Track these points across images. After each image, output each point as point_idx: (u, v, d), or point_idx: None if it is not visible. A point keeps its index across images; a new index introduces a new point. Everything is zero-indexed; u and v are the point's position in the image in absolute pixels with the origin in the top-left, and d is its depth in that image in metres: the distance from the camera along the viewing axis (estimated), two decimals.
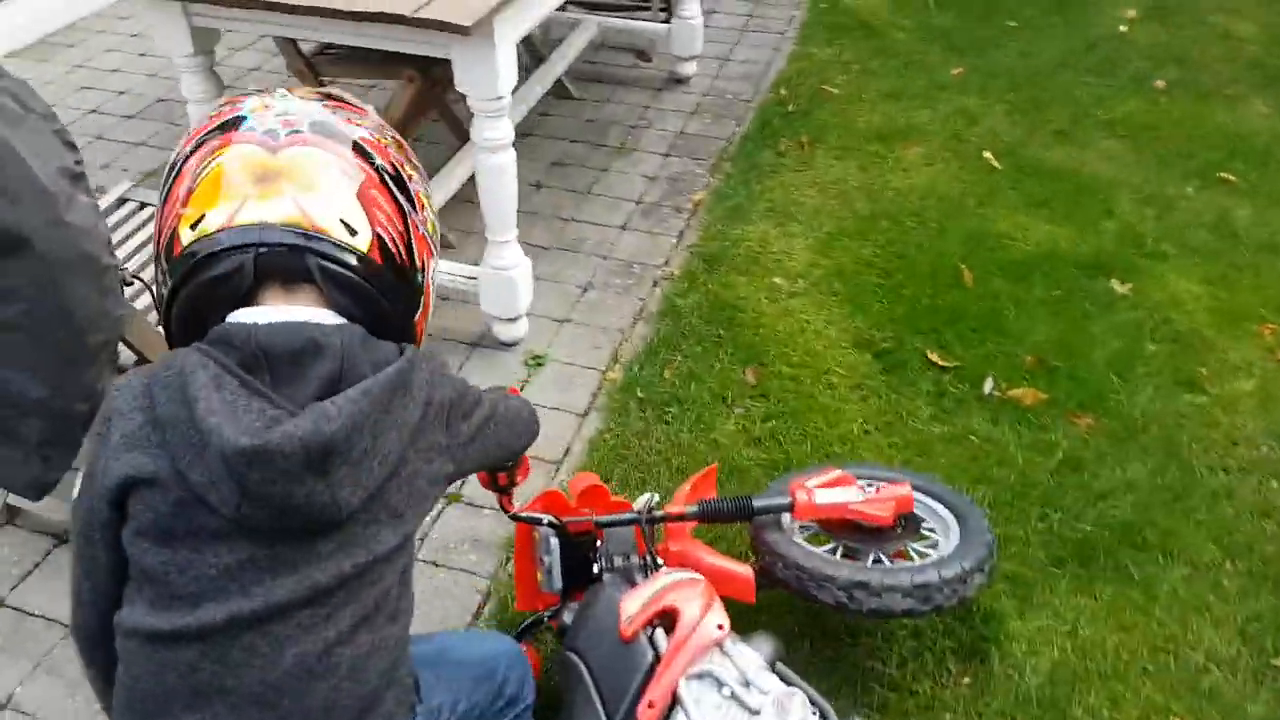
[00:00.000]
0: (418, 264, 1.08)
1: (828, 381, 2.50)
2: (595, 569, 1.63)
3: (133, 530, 0.98)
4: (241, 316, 1.02)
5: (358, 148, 1.04)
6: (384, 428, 0.98)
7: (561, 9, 4.28)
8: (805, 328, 2.68)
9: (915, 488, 1.81)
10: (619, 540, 1.67)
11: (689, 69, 4.03)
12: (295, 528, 0.97)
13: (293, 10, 2.10)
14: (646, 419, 2.39)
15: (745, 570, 1.65)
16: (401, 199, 1.06)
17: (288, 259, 1.00)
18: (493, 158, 2.33)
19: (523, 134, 3.62)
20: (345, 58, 2.96)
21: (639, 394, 2.45)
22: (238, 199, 0.99)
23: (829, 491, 1.71)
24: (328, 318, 1.02)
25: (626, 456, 2.28)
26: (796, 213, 3.18)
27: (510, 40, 2.21)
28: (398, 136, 1.12)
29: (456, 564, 2.09)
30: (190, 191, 1.02)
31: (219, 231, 0.99)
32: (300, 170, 1.00)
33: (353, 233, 1.01)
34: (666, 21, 3.94)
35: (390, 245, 1.04)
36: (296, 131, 1.02)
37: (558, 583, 1.66)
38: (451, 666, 1.29)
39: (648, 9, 4.30)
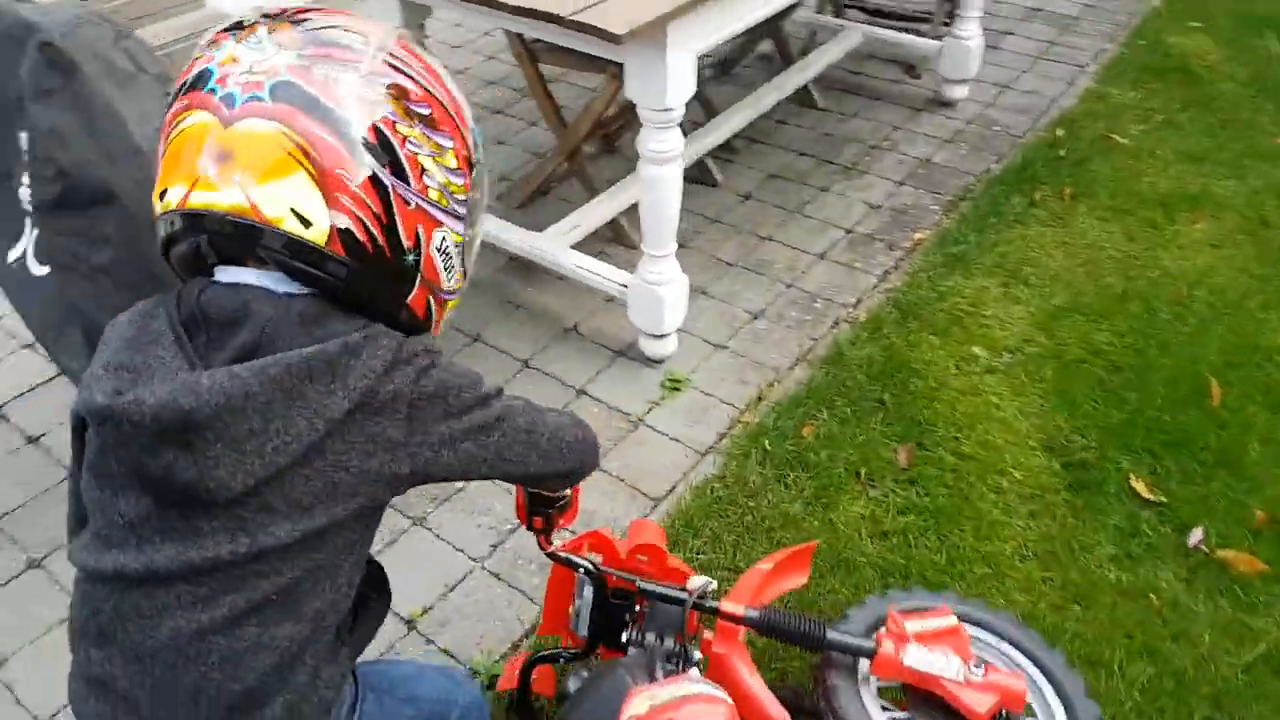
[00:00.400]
0: (405, 244, 0.97)
1: (995, 484, 2.14)
2: (624, 638, 1.47)
3: (84, 463, 0.99)
4: (220, 274, 0.98)
5: (328, 117, 0.91)
6: (285, 411, 0.90)
7: (837, 13, 4.07)
8: (991, 413, 2.32)
9: (1036, 661, 1.47)
10: (665, 614, 1.48)
11: (957, 92, 3.66)
12: (172, 498, 0.92)
13: None
14: (765, 476, 2.16)
15: (781, 714, 1.40)
16: (383, 174, 0.93)
17: (242, 243, 0.94)
18: (656, 170, 2.18)
19: (750, 139, 3.47)
20: (558, 47, 2.91)
21: (766, 446, 2.22)
22: (189, 180, 0.93)
23: (925, 653, 1.41)
24: (283, 285, 0.96)
25: (727, 513, 2.07)
26: (1030, 274, 2.78)
27: (688, 51, 2.05)
28: (403, 78, 0.95)
29: (518, 583, 1.99)
30: (162, 154, 0.98)
31: (175, 211, 0.95)
32: (251, 153, 0.91)
33: (306, 224, 0.92)
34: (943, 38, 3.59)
35: (358, 232, 0.93)
36: (255, 98, 0.91)
37: (583, 631, 1.51)
38: (399, 701, 1.20)
39: (929, 22, 3.97)
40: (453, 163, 0.99)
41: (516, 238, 2.60)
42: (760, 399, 2.40)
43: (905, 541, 2.02)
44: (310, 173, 0.91)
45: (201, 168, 0.91)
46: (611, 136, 3.36)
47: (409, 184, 0.95)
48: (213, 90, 0.92)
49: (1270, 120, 3.41)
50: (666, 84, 2.03)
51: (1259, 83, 3.63)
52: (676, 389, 2.43)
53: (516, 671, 1.58)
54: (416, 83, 0.97)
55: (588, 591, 1.50)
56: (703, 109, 3.43)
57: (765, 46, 3.92)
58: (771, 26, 3.75)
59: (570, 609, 1.55)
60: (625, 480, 2.19)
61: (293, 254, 0.93)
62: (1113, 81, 3.73)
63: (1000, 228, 2.97)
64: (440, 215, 0.99)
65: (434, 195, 0.98)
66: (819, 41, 3.90)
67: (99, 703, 0.97)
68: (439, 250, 1.01)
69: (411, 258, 0.98)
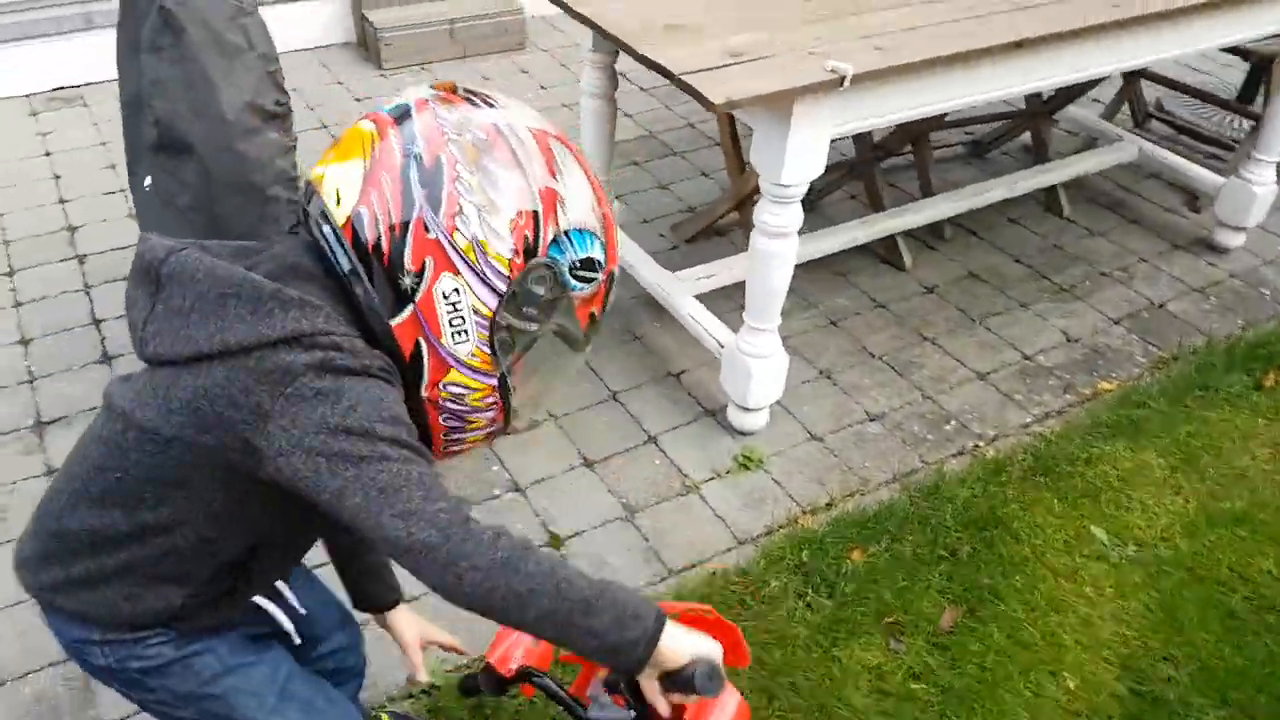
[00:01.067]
0: (408, 264, 0.98)
1: (1038, 684, 1.89)
2: None
3: None
4: None
5: (407, 133, 1.00)
6: (207, 309, 0.98)
7: (1138, 122, 3.69)
8: (1077, 605, 2.04)
9: None
10: None
11: (1231, 239, 3.22)
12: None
13: (601, 32, 2.10)
14: (785, 589, 2.02)
15: None
16: (418, 192, 0.98)
17: (311, 208, 1.06)
18: (768, 243, 2.11)
19: (969, 230, 3.26)
20: None
21: (803, 557, 2.08)
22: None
23: None
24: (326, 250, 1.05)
25: (729, 610, 1.96)
26: (1209, 467, 2.40)
27: (816, 131, 1.96)
28: (498, 141, 1.00)
29: None
30: None
31: None
32: (347, 140, 1.04)
33: (338, 201, 1.00)
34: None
35: (367, 223, 0.99)
36: (381, 109, 1.04)
37: (593, 715, 1.22)
38: (187, 698, 1.19)
39: (1232, 150, 3.52)
40: (503, 230, 0.99)
41: (648, 271, 2.60)
42: (829, 506, 2.25)
43: (900, 710, 1.82)
44: (365, 165, 1.00)
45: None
46: (815, 191, 3.26)
47: (438, 214, 0.98)
48: None
49: None
50: (785, 160, 1.95)
51: None
52: (746, 467, 2.33)
53: (511, 664, 1.41)
54: (511, 152, 1.00)
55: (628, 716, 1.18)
56: (920, 188, 3.26)
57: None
58: (1032, 119, 3.49)
59: (598, 680, 1.25)
60: (650, 541, 2.14)
61: (321, 224, 1.02)
62: None
63: (1203, 404, 2.58)
64: (459, 263, 0.99)
65: (461, 241, 0.98)
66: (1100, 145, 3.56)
67: None
68: (444, 296, 1.00)
69: (409, 280, 0.99)
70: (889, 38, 2.09)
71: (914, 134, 3.16)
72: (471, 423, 1.08)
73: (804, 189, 2.02)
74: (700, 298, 2.56)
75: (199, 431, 0.99)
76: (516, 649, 1.32)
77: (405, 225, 0.98)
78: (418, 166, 0.98)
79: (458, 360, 1.03)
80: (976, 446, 2.45)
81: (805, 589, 2.03)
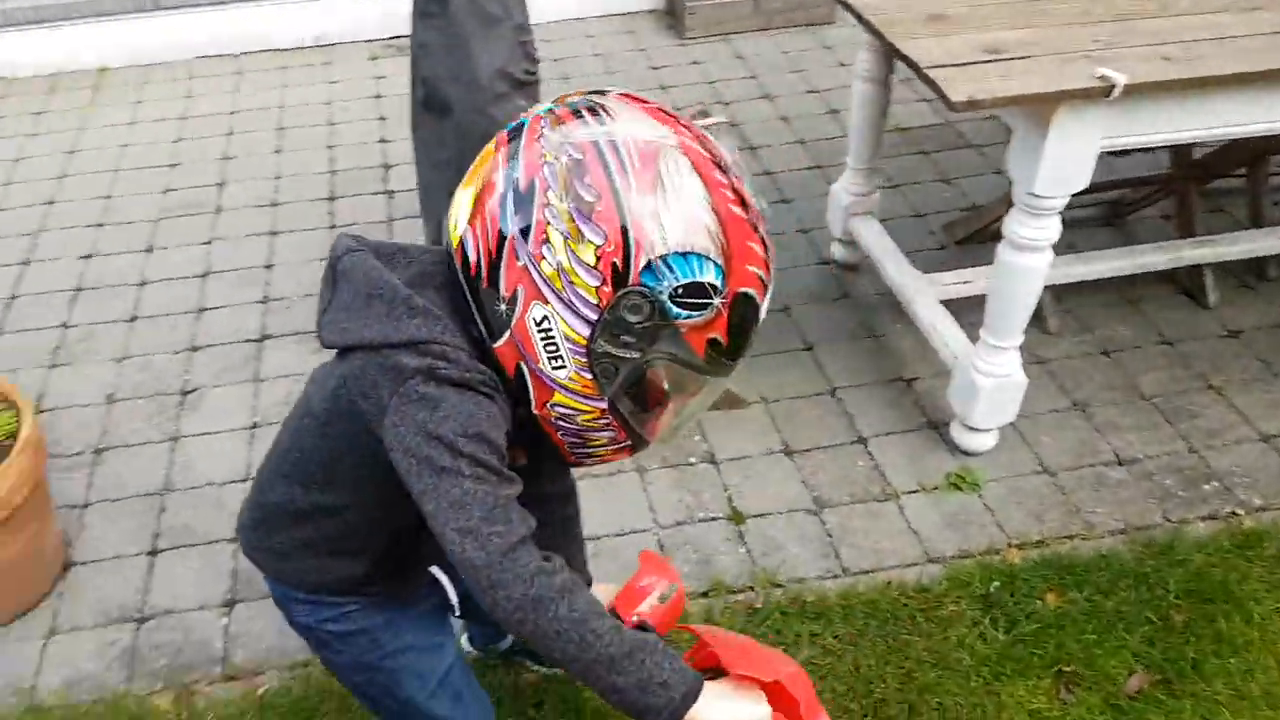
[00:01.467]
0: (502, 291, 1.06)
1: None
2: None
3: None
4: None
5: (512, 156, 1.06)
6: (357, 306, 1.11)
7: None
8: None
9: None
10: None
11: None
12: None
13: (858, 17, 2.22)
14: (961, 614, 2.08)
15: None
16: (509, 219, 1.04)
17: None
18: (1015, 256, 2.12)
19: (1259, 276, 3.00)
20: None
21: (990, 588, 2.12)
22: None
23: None
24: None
25: (897, 619, 2.07)
26: None
27: (1079, 143, 1.95)
28: (594, 161, 1.01)
29: None
30: None
31: None
32: (481, 156, 1.12)
33: (456, 223, 1.10)
34: None
35: (470, 250, 1.07)
36: (505, 127, 1.12)
37: None
38: (359, 667, 1.42)
39: None
40: (589, 258, 1.01)
41: (895, 268, 2.68)
42: (1040, 544, 2.26)
43: None
44: (477, 191, 1.08)
45: None
46: (1121, 206, 3.16)
47: (526, 242, 1.03)
48: None
49: None
50: (1039, 169, 1.97)
51: None
52: (958, 487, 2.38)
53: (632, 615, 1.45)
54: (604, 174, 1.00)
55: None
56: (1249, 217, 3.06)
57: None
58: None
59: None
60: (832, 538, 2.27)
61: (446, 244, 1.13)
62: None
63: None
64: (546, 291, 1.03)
65: (547, 270, 1.02)
66: None
67: None
68: (536, 324, 1.05)
69: (503, 308, 1.06)
70: (1184, 46, 2.04)
71: (1250, 154, 2.97)
72: (592, 440, 1.15)
73: (1062, 202, 2.03)
74: (951, 304, 2.60)
75: (338, 417, 1.18)
76: (642, 601, 1.44)
77: (500, 252, 1.04)
78: (514, 192, 1.03)
79: (558, 384, 1.09)
80: (1234, 513, 2.33)
81: (983, 619, 2.07)
